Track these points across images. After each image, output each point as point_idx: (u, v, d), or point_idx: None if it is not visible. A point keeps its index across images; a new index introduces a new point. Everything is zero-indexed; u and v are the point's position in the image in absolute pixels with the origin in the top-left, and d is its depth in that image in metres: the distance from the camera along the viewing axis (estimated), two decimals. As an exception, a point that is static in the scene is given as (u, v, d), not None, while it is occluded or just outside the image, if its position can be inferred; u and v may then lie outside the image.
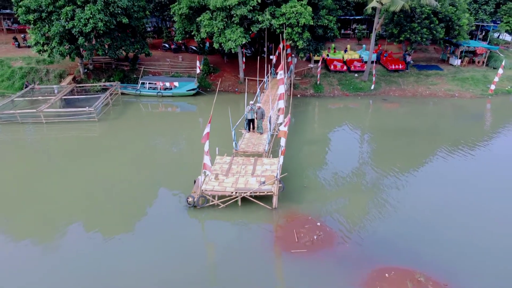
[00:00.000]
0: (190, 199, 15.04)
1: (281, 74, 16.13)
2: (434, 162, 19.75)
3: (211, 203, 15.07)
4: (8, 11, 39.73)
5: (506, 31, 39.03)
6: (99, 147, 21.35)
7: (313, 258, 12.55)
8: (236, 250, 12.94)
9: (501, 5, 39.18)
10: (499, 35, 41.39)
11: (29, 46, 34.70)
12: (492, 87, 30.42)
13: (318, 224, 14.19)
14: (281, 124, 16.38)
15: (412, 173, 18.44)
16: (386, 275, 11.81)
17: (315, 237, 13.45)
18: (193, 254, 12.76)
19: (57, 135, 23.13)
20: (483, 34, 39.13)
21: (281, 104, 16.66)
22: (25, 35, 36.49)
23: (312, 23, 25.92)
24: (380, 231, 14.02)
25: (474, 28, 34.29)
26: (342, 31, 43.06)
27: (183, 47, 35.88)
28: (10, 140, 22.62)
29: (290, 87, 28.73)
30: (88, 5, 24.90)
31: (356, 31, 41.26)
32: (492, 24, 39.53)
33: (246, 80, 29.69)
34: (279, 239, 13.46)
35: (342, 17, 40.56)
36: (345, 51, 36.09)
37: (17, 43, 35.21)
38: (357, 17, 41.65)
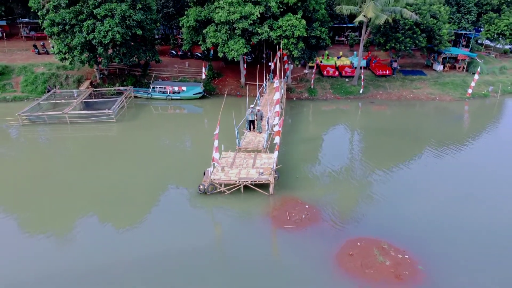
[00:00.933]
0: (201, 187, 18.25)
1: (277, 82, 19.33)
2: (413, 157, 22.95)
3: (218, 190, 18.28)
4: (26, 19, 43.00)
5: (487, 38, 42.22)
6: (118, 145, 24.60)
7: (301, 232, 15.75)
8: (239, 226, 16.17)
9: (482, 15, 42.36)
10: (483, 42, 44.56)
11: (47, 53, 38.12)
12: (469, 91, 33.62)
13: (307, 206, 17.39)
14: (276, 125, 19.61)
15: (394, 166, 21.65)
16: (358, 243, 15.02)
17: (303, 216, 16.66)
18: (204, 229, 15.99)
19: (80, 134, 26.34)
20: (466, 41, 42.27)
21: (277, 108, 19.88)
22: (44, 42, 39.75)
23: (306, 35, 29.13)
24: (357, 211, 17.23)
25: (453, 37, 37.30)
26: (336, 38, 46.40)
27: (189, 53, 39.04)
28: (39, 138, 25.83)
29: (287, 91, 31.92)
30: (107, 19, 28.09)
31: (349, 38, 44.43)
32: (474, 31, 42.74)
33: (247, 84, 32.89)
34: (274, 217, 16.67)
35: (336, 25, 43.82)
36: (338, 57, 39.29)
37: (37, 50, 38.39)
38: (349, 25, 44.84)
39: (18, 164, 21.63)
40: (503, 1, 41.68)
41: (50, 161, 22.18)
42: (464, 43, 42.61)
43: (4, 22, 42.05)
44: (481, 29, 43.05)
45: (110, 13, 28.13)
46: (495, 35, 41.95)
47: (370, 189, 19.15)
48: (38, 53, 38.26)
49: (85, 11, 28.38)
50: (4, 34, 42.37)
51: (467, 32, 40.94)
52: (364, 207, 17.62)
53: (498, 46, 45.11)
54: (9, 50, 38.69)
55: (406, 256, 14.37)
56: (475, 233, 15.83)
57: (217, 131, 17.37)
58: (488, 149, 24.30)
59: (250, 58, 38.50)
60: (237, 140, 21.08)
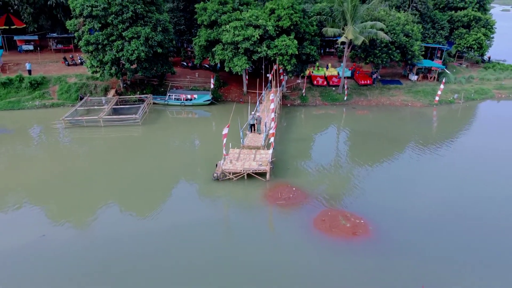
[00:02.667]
0: (215, 175, 24.30)
1: (272, 96, 25.41)
2: (387, 153, 29.00)
3: (228, 177, 24.32)
4: (54, 34, 49.03)
5: (457, 51, 48.28)
6: (143, 144, 30.66)
7: (288, 206, 21.80)
8: (243, 203, 22.24)
9: (454, 30, 48.43)
10: (455, 54, 50.59)
11: (75, 64, 44.16)
12: (437, 98, 39.66)
13: (293, 188, 23.44)
14: (271, 128, 25.70)
15: (370, 161, 27.71)
16: (329, 213, 21.08)
17: (291, 195, 22.72)
18: (217, 206, 22.09)
19: (112, 135, 32.38)
20: (440, 53, 48.25)
21: (272, 115, 25.96)
22: (72, 55, 45.82)
23: (298, 52, 35.15)
24: (331, 192, 23.29)
25: (423, 52, 43.06)
26: (327, 49, 52.46)
27: (198, 65, 45.06)
28: (79, 138, 31.81)
29: (282, 98, 37.95)
30: (133, 40, 34.13)
31: (338, 50, 50.46)
32: (447, 45, 48.80)
33: (249, 92, 38.88)
34: (269, 196, 22.72)
35: (326, 38, 49.83)
36: (327, 67, 45.37)
37: (67, 62, 44.40)
38: (338, 38, 50.75)
39: (63, 159, 27.68)
40: (472, 19, 47.67)
41: (88, 156, 28.23)
42: (438, 55, 48.60)
43: (36, 37, 48.09)
44: (454, 43, 49.06)
45: (136, 35, 34.15)
46: (465, 48, 47.98)
47: (345, 177, 25.26)
48: (68, 64, 44.22)
49: (115, 33, 34.39)
50: (38, 47, 48.48)
51: (441, 46, 46.94)
52: (337, 189, 23.71)
53: (470, 57, 51.12)
54: (42, 62, 44.67)
55: (362, 221, 20.44)
56: (417, 211, 21.90)
57: (225, 132, 23.43)
58: (447, 146, 30.36)
59: (251, 69, 44.51)
60: (241, 140, 27.15)
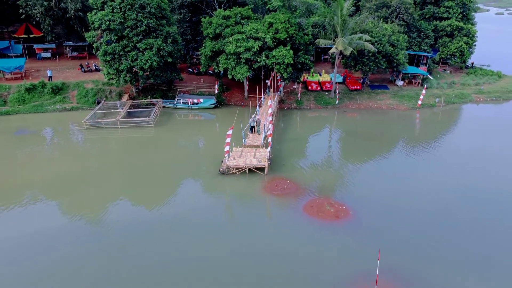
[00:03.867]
0: (221, 169, 28.47)
1: (270, 101, 29.57)
2: (375, 152, 33.16)
3: (232, 172, 28.48)
4: (70, 43, 53.20)
5: (441, 58, 52.50)
6: (155, 143, 34.80)
7: (283, 195, 25.97)
8: (245, 193, 26.43)
9: (438, 39, 52.61)
10: (439, 60, 54.76)
11: (90, 71, 48.31)
12: (419, 102, 43.82)
13: (288, 181, 27.59)
14: (269, 129, 29.89)
15: (358, 156, 31.87)
16: (316, 201, 25.26)
17: (285, 186, 26.90)
18: (222, 195, 26.29)
19: (128, 135, 36.53)
20: (426, 60, 52.37)
21: (270, 118, 30.12)
22: (88, 62, 50.01)
23: (293, 61, 39.30)
24: (319, 184, 27.47)
25: (407, 61, 47.16)
26: (322, 56, 56.63)
27: (203, 71, 49.19)
28: (99, 138, 35.92)
29: (280, 102, 42.07)
30: (146, 50, 38.29)
31: (331, 57, 54.57)
32: (433, 52, 52.96)
33: (249, 97, 42.95)
34: (267, 187, 26.88)
35: (322, 46, 53.96)
36: (320, 74, 49.53)
37: (83, 68, 48.56)
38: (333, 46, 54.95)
39: (87, 156, 31.87)
40: (455, 28, 51.81)
41: (108, 154, 32.48)
42: (424, 61, 52.74)
43: (53, 45, 52.27)
44: (438, 50, 53.21)
45: (149, 46, 38.30)
46: (448, 55, 52.15)
47: (334, 172, 29.47)
48: (84, 71, 48.37)
49: (130, 45, 38.53)
50: (56, 55, 52.73)
51: (426, 54, 51.07)
52: (326, 182, 27.91)
53: (453, 63, 55.27)
54: (60, 68, 48.85)
55: (344, 207, 24.61)
56: (394, 200, 26.06)
57: (229, 132, 27.63)
58: (427, 145, 34.47)
59: (251, 75, 48.63)
60: (243, 140, 31.32)
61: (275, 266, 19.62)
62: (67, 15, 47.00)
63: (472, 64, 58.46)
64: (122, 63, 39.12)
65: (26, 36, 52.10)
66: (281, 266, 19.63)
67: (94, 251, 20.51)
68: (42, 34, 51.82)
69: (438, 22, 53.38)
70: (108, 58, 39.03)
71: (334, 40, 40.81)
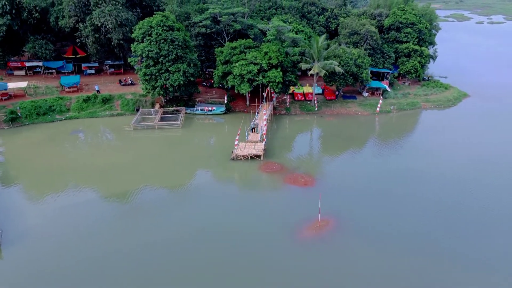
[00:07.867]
0: (232, 156, 43.00)
1: (264, 111, 44.04)
2: (347, 147, 47.64)
3: (239, 158, 42.95)
4: (109, 62, 67.61)
5: (399, 73, 67.15)
6: (183, 139, 49.33)
7: (272, 172, 40.51)
8: (247, 171, 41.02)
9: (398, 59, 67.21)
10: (399, 75, 69.21)
11: (127, 84, 62.73)
12: (378, 109, 58.26)
13: (277, 164, 42.09)
14: (263, 129, 44.57)
15: (331, 149, 46.39)
16: (293, 175, 39.81)
17: (274, 167, 41.44)
18: (230, 175, 40.94)
19: (163, 134, 50.99)
20: (388, 75, 66.74)
21: (264, 122, 44.65)
22: (125, 78, 64.49)
23: (282, 80, 53.70)
24: (298, 166, 42.03)
25: (370, 78, 61.49)
26: (308, 71, 71.05)
27: (215, 86, 63.57)
28: (143, 137, 50.27)
29: (273, 109, 56.56)
30: (175, 73, 52.71)
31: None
32: (394, 69, 67.44)
33: (250, 105, 57.41)
34: (262, 167, 41.42)
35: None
36: (303, 86, 64.08)
37: (122, 83, 62.91)
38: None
39: (136, 149, 46.36)
40: (411, 50, 66.26)
41: (153, 147, 46.99)
42: (388, 76, 67.18)
43: (97, 64, 66.73)
44: (398, 67, 67.69)
45: (177, 70, 52.71)
46: (405, 72, 66.68)
47: (311, 159, 44.04)
48: (123, 85, 62.70)
49: (163, 68, 52.93)
50: (101, 72, 67.28)
51: (388, 70, 65.52)
52: (303, 165, 42.45)
53: (411, 78, 69.78)
54: (103, 83, 63.22)
55: (311, 179, 39.11)
56: (348, 173, 40.61)
57: (238, 132, 42.21)
58: (383, 140, 48.91)
59: (252, 88, 63.03)
60: (246, 137, 45.95)
61: (260, 210, 34.19)
62: (113, 43, 61.31)
63: (429, 77, 72.87)
64: (157, 81, 53.56)
65: (74, 56, 66.49)
66: (263, 212, 34.16)
67: (138, 206, 35.08)
68: (85, 55, 66.15)
69: (398, 45, 67.86)
70: (147, 78, 53.49)
71: (312, 64, 55.30)
